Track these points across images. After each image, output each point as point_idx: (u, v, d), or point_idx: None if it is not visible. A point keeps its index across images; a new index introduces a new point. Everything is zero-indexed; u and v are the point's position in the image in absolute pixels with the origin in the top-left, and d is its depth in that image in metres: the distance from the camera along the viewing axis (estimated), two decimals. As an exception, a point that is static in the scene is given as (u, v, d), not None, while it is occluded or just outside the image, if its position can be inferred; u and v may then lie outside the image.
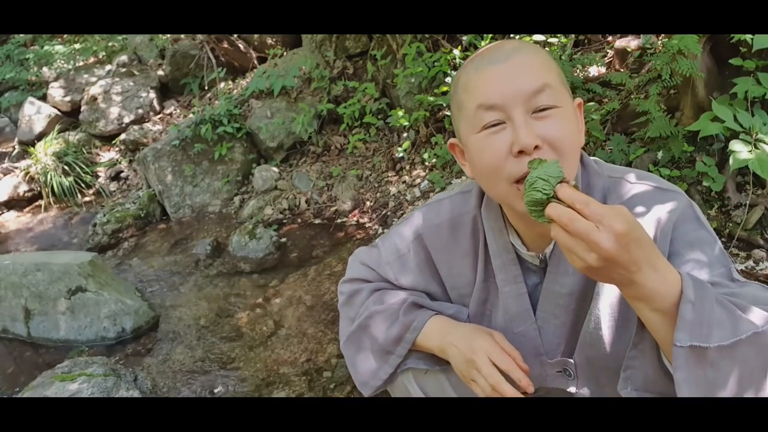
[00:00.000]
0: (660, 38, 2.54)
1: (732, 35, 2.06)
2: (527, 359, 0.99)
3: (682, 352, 0.71)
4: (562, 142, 0.82)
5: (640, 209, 0.89)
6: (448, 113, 3.24)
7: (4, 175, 4.55)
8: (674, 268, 0.75)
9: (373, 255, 1.15)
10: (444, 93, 3.13)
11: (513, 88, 0.81)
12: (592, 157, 0.98)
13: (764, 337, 0.72)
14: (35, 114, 4.97)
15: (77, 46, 5.67)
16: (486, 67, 0.85)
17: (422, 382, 1.06)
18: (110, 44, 5.55)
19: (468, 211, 1.03)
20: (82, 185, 4.41)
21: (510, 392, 0.90)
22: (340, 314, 1.19)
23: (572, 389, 0.99)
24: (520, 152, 0.80)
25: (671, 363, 0.75)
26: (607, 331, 0.92)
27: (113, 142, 4.76)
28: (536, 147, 0.80)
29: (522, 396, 0.90)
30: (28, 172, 4.45)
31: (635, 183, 0.93)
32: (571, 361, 0.97)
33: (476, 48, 3.25)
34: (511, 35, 2.75)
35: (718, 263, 0.85)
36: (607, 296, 0.91)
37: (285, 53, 4.39)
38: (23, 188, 4.42)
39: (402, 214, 3.04)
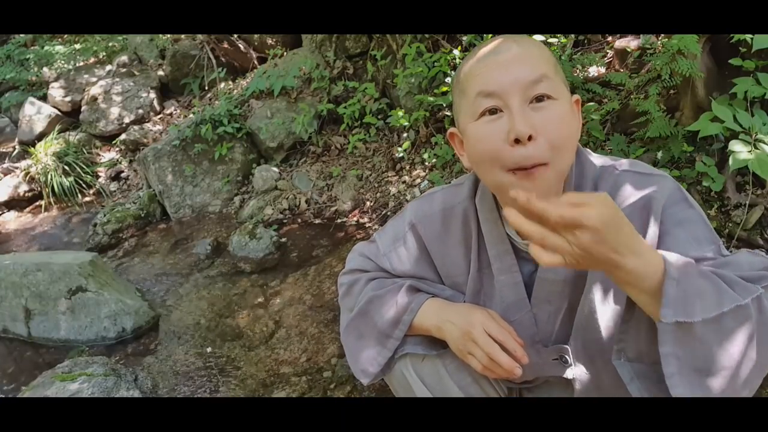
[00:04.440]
0: (660, 38, 2.54)
1: (732, 35, 2.06)
2: (524, 347, 1.00)
3: (668, 328, 0.73)
4: (556, 133, 0.83)
5: (629, 195, 0.91)
6: (449, 113, 3.24)
7: (5, 175, 4.55)
8: (655, 250, 0.77)
9: (371, 248, 1.19)
10: (444, 93, 3.13)
11: (512, 76, 0.83)
12: (585, 148, 0.99)
13: (747, 309, 0.74)
14: (35, 114, 4.98)
15: (77, 46, 5.67)
16: (487, 56, 0.87)
17: (419, 369, 1.07)
18: (110, 44, 5.55)
19: (459, 202, 1.06)
20: (83, 185, 4.42)
21: (506, 361, 0.92)
22: (340, 307, 1.21)
23: (569, 375, 1.00)
24: (516, 141, 0.82)
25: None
26: (601, 315, 0.93)
27: (113, 142, 4.77)
28: (530, 137, 0.81)
29: (517, 366, 0.92)
30: (28, 172, 4.45)
31: (623, 171, 0.94)
32: (567, 347, 0.98)
33: (476, 48, 3.25)
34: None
35: (707, 240, 0.87)
36: (600, 280, 0.93)
37: (285, 53, 4.39)
38: (23, 188, 4.43)
39: (402, 214, 3.04)
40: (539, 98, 0.84)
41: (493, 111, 0.85)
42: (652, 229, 0.88)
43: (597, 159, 0.98)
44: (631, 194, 0.90)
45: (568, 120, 0.86)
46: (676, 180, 0.96)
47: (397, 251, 1.12)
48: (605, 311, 0.93)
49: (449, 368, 1.05)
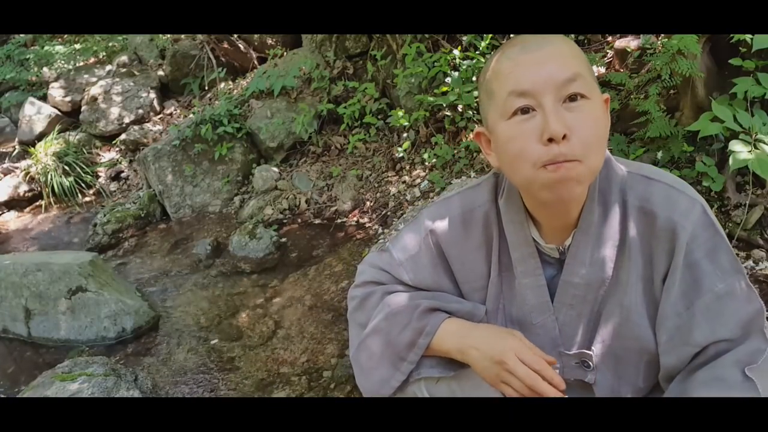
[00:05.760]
0: (660, 38, 2.54)
1: (732, 35, 2.06)
2: (546, 351, 0.99)
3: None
4: (590, 133, 0.82)
5: (659, 208, 0.89)
6: (449, 113, 3.24)
7: (5, 175, 4.55)
8: None
9: (384, 258, 1.13)
10: (444, 93, 3.13)
11: (545, 75, 0.82)
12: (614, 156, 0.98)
13: None
14: (35, 114, 4.98)
15: (77, 46, 5.67)
16: (519, 55, 0.85)
17: (433, 389, 1.05)
18: (110, 44, 5.55)
19: (480, 206, 1.03)
20: (83, 185, 4.42)
21: (549, 391, 0.89)
22: (349, 322, 1.15)
23: (590, 379, 0.99)
24: (550, 140, 0.80)
25: None
26: (625, 321, 0.93)
27: (113, 142, 4.77)
28: (564, 137, 0.80)
29: (559, 393, 0.89)
30: (28, 173, 4.45)
31: (652, 179, 0.93)
32: (590, 353, 0.97)
33: (476, 48, 3.25)
34: (511, 35, 2.74)
35: (732, 269, 0.87)
36: (624, 286, 0.92)
37: (285, 53, 4.39)
38: (23, 188, 4.43)
39: (402, 214, 3.04)
40: (573, 97, 0.82)
41: (525, 110, 0.83)
42: (675, 260, 0.88)
43: (623, 164, 0.97)
44: (661, 209, 0.89)
45: (601, 119, 0.85)
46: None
47: (414, 259, 1.08)
48: (629, 317, 0.92)
49: (465, 388, 1.03)
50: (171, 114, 4.93)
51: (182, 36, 5.09)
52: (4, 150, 5.02)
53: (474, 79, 3.11)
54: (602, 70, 2.93)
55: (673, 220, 0.88)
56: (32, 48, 5.85)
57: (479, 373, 0.96)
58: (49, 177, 4.31)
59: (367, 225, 3.17)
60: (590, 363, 0.98)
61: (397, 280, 1.11)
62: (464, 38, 3.36)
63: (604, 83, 2.76)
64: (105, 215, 3.70)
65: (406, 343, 1.01)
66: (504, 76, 0.85)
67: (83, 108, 4.89)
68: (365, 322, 1.09)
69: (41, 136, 4.83)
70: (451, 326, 1.00)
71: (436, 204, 1.11)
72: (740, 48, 2.11)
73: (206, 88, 4.86)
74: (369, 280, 1.13)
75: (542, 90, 0.81)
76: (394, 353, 1.02)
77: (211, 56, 4.76)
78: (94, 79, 5.19)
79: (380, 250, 1.17)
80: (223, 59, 4.76)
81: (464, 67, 3.16)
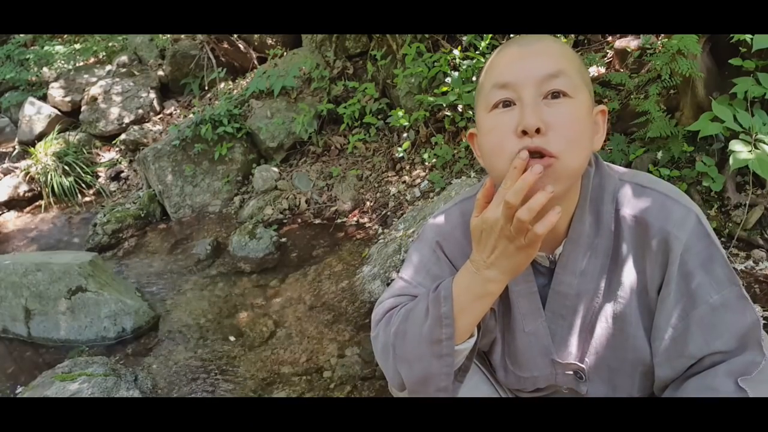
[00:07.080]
0: (660, 38, 2.55)
1: (732, 35, 2.06)
2: (538, 358, 0.99)
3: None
4: (568, 131, 0.80)
5: (651, 218, 0.88)
6: (449, 113, 3.25)
7: (5, 175, 4.55)
8: None
9: (396, 286, 1.07)
10: (444, 93, 3.13)
11: (527, 68, 0.81)
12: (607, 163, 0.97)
13: None
14: (35, 114, 4.98)
15: (77, 46, 5.68)
16: (507, 49, 0.86)
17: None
18: (110, 44, 5.56)
19: None
20: (83, 185, 4.42)
21: (530, 180, 0.76)
22: (381, 365, 1.04)
23: (583, 390, 0.99)
24: (524, 132, 0.79)
25: None
26: (619, 332, 0.92)
27: (113, 142, 4.77)
28: (538, 130, 0.79)
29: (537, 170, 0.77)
30: (28, 173, 4.46)
31: (647, 188, 0.91)
32: (583, 366, 0.97)
33: (476, 48, 3.25)
34: (511, 35, 2.75)
35: (727, 280, 0.86)
36: (617, 297, 0.91)
37: (285, 53, 4.39)
38: (23, 188, 4.43)
39: (402, 214, 3.04)
40: (555, 95, 0.81)
41: (507, 103, 0.83)
42: (670, 271, 0.86)
43: (617, 172, 0.96)
44: (654, 219, 0.88)
45: (583, 120, 0.83)
46: (679, 183, 0.95)
47: (430, 275, 1.04)
48: (622, 329, 0.92)
49: (463, 388, 1.01)
50: (171, 114, 4.93)
51: (182, 36, 5.09)
52: (4, 150, 5.02)
53: (474, 79, 3.11)
54: (602, 70, 2.93)
55: (666, 230, 0.86)
56: (32, 48, 5.85)
57: (515, 269, 0.86)
58: (49, 177, 4.31)
59: (367, 225, 3.17)
60: (583, 375, 0.98)
61: (415, 297, 1.04)
62: (464, 38, 3.36)
63: (604, 83, 2.76)
64: (105, 215, 3.70)
65: (433, 324, 0.91)
66: (491, 69, 0.87)
67: (83, 108, 4.89)
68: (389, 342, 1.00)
69: (41, 136, 4.84)
70: (460, 279, 0.91)
71: (437, 217, 1.09)
72: (740, 48, 2.11)
73: (206, 88, 4.86)
74: (388, 308, 1.04)
75: (523, 83, 0.81)
76: (429, 341, 0.92)
77: (211, 56, 4.76)
78: (94, 79, 5.19)
79: (390, 287, 1.11)
80: (223, 59, 4.76)
81: (464, 67, 3.16)
